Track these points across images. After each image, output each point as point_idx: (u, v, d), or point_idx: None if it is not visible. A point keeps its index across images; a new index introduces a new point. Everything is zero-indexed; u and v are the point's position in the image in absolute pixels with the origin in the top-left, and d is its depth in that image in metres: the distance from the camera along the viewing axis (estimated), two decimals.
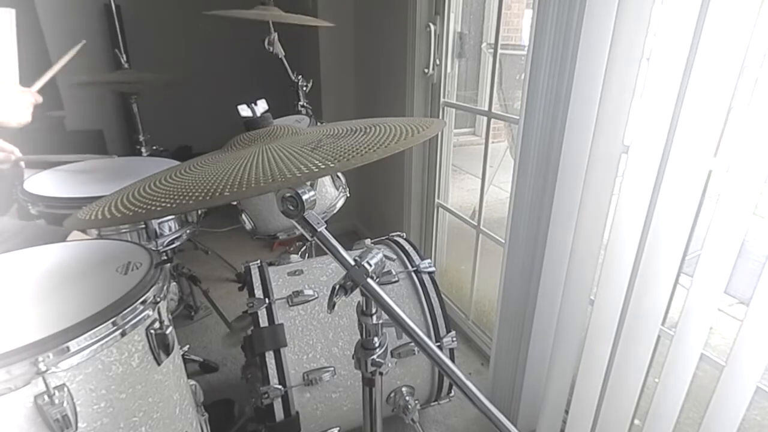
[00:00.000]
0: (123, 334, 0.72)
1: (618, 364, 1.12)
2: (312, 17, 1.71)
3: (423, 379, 1.35)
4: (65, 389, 0.65)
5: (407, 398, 1.31)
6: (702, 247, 0.89)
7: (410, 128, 0.65)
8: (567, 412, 1.31)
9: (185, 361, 0.98)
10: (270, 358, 1.19)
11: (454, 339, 1.34)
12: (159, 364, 0.80)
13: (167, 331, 0.80)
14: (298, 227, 0.64)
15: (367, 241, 1.52)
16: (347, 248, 0.70)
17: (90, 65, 2.94)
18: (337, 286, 0.65)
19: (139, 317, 0.74)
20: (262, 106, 0.75)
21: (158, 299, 0.79)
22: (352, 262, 0.66)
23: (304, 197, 0.61)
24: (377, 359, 0.74)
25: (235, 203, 1.51)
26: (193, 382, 1.01)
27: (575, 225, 1.16)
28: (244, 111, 0.74)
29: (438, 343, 1.32)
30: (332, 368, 1.23)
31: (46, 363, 0.61)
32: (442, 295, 1.38)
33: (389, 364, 0.76)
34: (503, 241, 1.44)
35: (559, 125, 1.17)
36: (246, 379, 1.42)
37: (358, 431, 1.13)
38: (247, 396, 1.58)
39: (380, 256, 0.68)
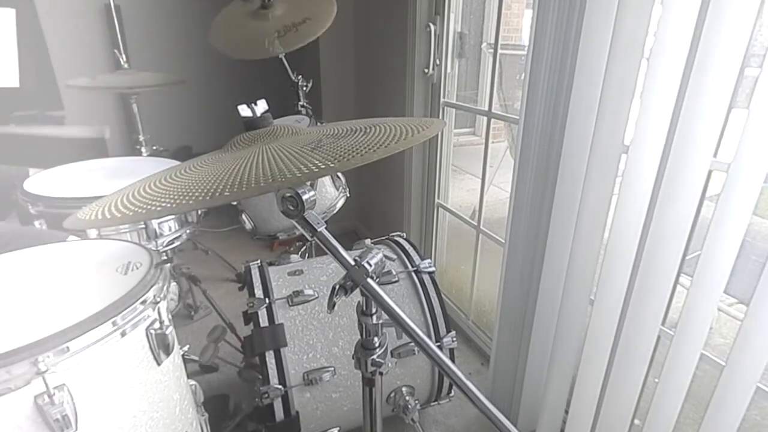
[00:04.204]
0: (123, 334, 0.72)
1: (618, 364, 1.12)
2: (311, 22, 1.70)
3: (423, 379, 1.35)
4: (65, 389, 0.65)
5: (407, 398, 1.31)
6: (702, 247, 0.89)
7: (410, 128, 0.65)
8: (567, 412, 1.31)
9: (185, 361, 0.98)
10: (270, 357, 1.19)
11: (454, 339, 1.34)
12: (159, 364, 0.80)
13: (167, 331, 0.80)
14: (298, 227, 0.64)
15: (367, 241, 1.52)
16: (347, 248, 0.70)
17: (90, 65, 2.95)
18: (337, 286, 0.65)
19: (139, 317, 0.75)
20: (262, 106, 0.75)
21: (158, 299, 0.79)
22: (352, 262, 0.66)
23: (304, 197, 0.61)
24: (377, 359, 0.74)
25: (235, 203, 1.51)
26: (193, 382, 1.01)
27: (575, 225, 1.16)
28: (244, 111, 0.74)
29: (438, 343, 1.32)
30: (332, 368, 1.23)
31: (46, 363, 0.61)
32: (442, 295, 1.38)
33: (389, 364, 0.76)
34: (503, 241, 1.44)
35: (559, 125, 1.17)
36: (243, 379, 1.42)
37: (358, 431, 1.13)
38: (244, 393, 1.58)
39: (380, 256, 0.68)
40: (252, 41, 1.64)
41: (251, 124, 0.74)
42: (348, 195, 1.66)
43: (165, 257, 0.87)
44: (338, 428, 1.28)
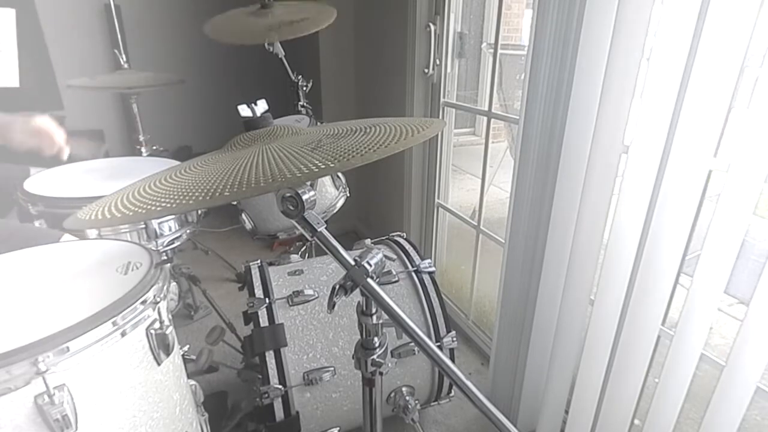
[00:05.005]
0: (123, 334, 0.72)
1: (618, 364, 1.12)
2: (314, 4, 1.70)
3: (423, 379, 1.35)
4: (65, 389, 0.65)
5: (407, 398, 1.31)
6: (702, 247, 0.89)
7: (410, 128, 0.65)
8: (567, 412, 1.31)
9: (185, 361, 0.98)
10: (270, 357, 1.19)
11: (454, 339, 1.34)
12: (159, 364, 0.80)
13: (167, 331, 0.80)
14: (298, 227, 0.64)
15: (367, 241, 1.52)
16: (347, 248, 0.70)
17: (90, 65, 2.95)
18: (337, 286, 0.65)
19: (139, 317, 0.75)
20: (262, 106, 0.75)
21: (158, 299, 0.79)
22: (352, 262, 0.66)
23: (304, 197, 0.61)
24: (377, 359, 0.74)
25: (235, 203, 1.51)
26: (193, 382, 1.01)
27: (575, 225, 1.16)
28: (244, 111, 0.74)
29: (438, 343, 1.32)
30: (332, 368, 1.23)
31: (46, 363, 0.61)
32: (442, 295, 1.38)
33: (389, 364, 0.76)
34: (503, 241, 1.44)
35: (559, 125, 1.17)
36: (242, 380, 1.42)
37: (358, 431, 1.13)
38: (243, 391, 1.58)
39: (380, 256, 0.68)
40: (247, 32, 1.64)
41: (251, 124, 0.74)
42: (348, 195, 1.66)
43: (165, 257, 0.87)
44: (338, 428, 1.28)
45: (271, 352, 1.20)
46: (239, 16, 1.68)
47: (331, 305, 0.65)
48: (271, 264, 1.41)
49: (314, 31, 1.66)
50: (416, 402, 1.31)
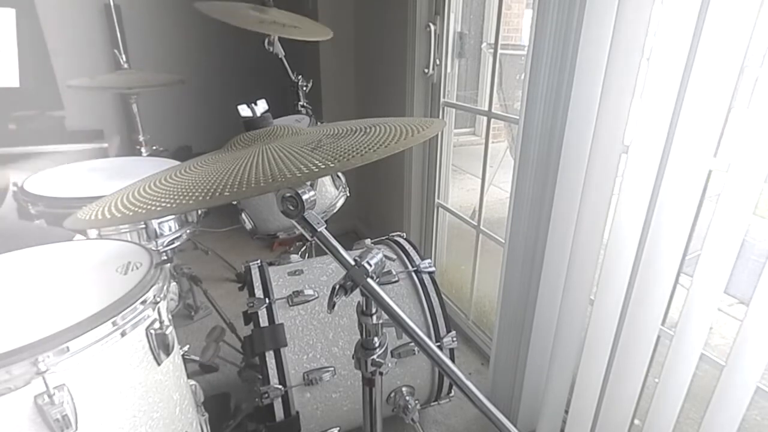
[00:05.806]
0: (123, 334, 0.72)
1: (618, 364, 1.12)
2: (311, 21, 1.71)
3: (423, 379, 1.35)
4: (65, 389, 0.65)
5: (407, 398, 1.31)
6: (702, 247, 0.89)
7: (410, 128, 0.65)
8: (567, 412, 1.31)
9: (185, 361, 0.98)
10: (270, 357, 1.19)
11: (454, 339, 1.34)
12: (159, 364, 0.80)
13: (167, 331, 0.80)
14: (298, 227, 0.64)
15: (367, 241, 1.52)
16: (347, 248, 0.70)
17: (90, 65, 2.95)
18: (337, 286, 0.65)
19: (139, 317, 0.75)
20: (262, 106, 0.75)
21: (158, 299, 0.79)
22: (352, 262, 0.66)
23: (304, 197, 0.61)
24: (377, 359, 0.74)
25: (235, 203, 1.51)
26: (193, 382, 1.01)
27: (575, 225, 1.16)
28: (244, 111, 0.74)
29: (438, 343, 1.32)
30: (332, 368, 1.23)
31: (46, 363, 0.61)
32: (442, 295, 1.38)
33: (389, 364, 0.76)
34: (503, 241, 1.44)
35: (559, 125, 1.17)
36: (243, 380, 1.42)
37: (358, 431, 1.13)
38: (244, 392, 1.58)
39: (380, 256, 0.68)
40: (239, 15, 1.64)
41: (251, 124, 0.74)
42: (348, 195, 1.66)
43: (165, 257, 0.87)
44: (338, 428, 1.28)
45: (271, 352, 1.20)
46: (237, 5, 1.68)
47: (331, 305, 0.65)
48: (271, 264, 1.41)
49: (300, 39, 1.66)
50: (416, 402, 1.31)
